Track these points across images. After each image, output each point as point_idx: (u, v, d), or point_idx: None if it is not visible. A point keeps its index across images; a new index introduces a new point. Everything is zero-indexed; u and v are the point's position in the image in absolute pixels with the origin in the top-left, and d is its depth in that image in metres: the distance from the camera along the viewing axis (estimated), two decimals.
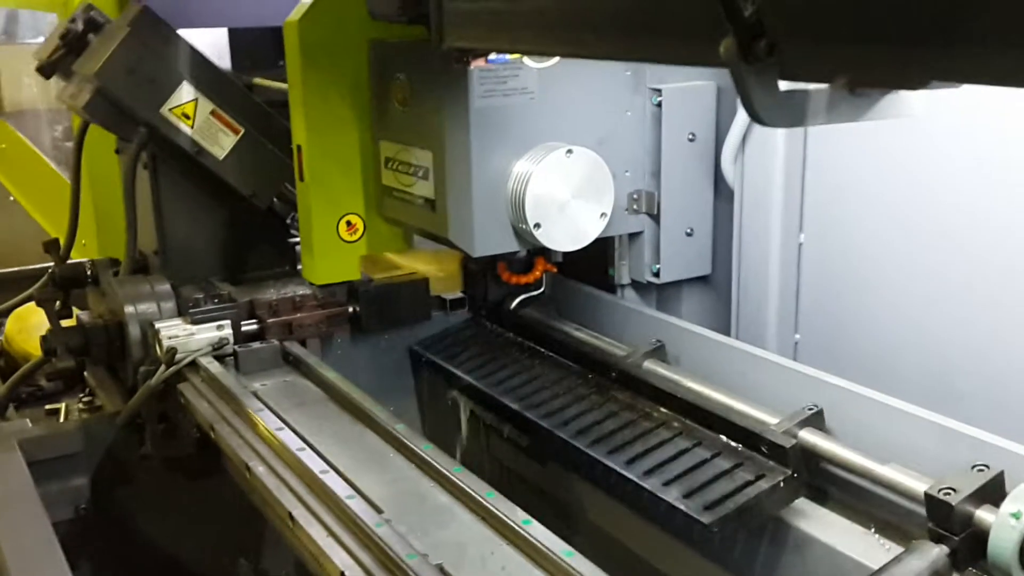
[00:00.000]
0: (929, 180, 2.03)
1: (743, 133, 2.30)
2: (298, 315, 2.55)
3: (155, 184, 2.85)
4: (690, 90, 2.42)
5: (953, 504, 1.49)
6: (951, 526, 1.50)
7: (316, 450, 1.90)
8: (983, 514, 1.51)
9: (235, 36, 3.45)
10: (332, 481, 1.74)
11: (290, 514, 1.71)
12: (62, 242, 2.98)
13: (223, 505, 2.36)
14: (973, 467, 1.57)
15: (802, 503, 1.83)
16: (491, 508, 1.63)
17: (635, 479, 1.87)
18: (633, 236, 2.54)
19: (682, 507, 1.74)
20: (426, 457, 1.83)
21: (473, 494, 1.68)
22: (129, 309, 2.49)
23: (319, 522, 1.67)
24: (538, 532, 1.53)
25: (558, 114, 2.30)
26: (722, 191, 2.48)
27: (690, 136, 2.43)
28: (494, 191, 2.27)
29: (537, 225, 2.24)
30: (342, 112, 2.54)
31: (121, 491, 2.54)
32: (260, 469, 1.89)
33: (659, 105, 2.40)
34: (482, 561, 1.53)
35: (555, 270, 2.75)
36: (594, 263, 2.64)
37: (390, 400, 2.39)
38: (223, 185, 2.86)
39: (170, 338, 2.40)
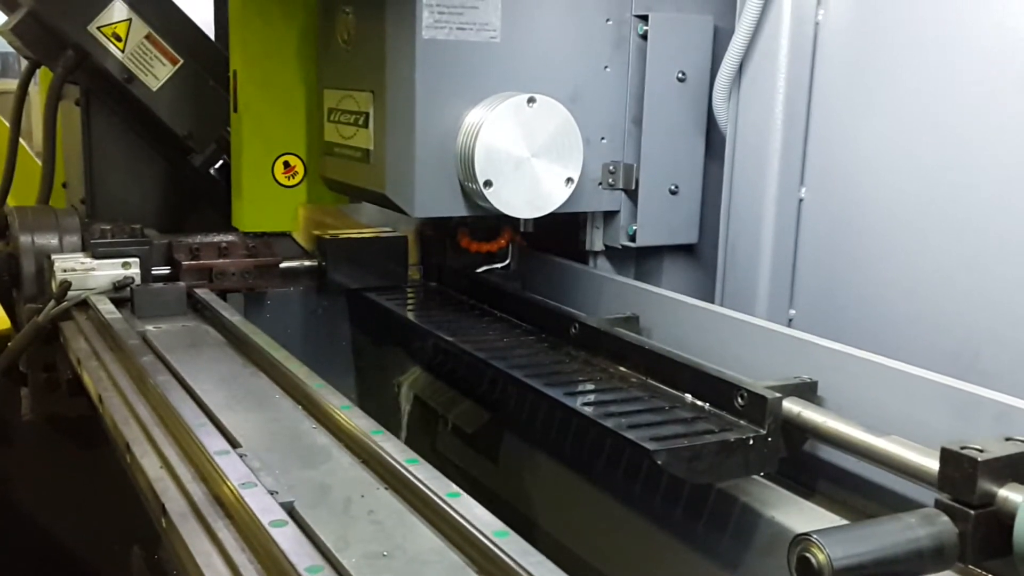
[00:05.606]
0: (958, 126, 1.66)
1: (738, 63, 1.93)
2: (221, 261, 2.22)
3: (86, 122, 2.58)
4: (682, 21, 2.07)
5: (979, 461, 1.11)
6: (969, 494, 1.12)
7: (187, 387, 1.58)
8: (1010, 493, 1.13)
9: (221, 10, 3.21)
10: (188, 413, 1.41)
11: (127, 444, 1.38)
12: None
13: (117, 482, 2.01)
14: (1007, 439, 1.21)
15: (784, 496, 1.52)
16: (376, 449, 1.31)
17: (576, 407, 1.55)
18: None
19: (629, 436, 1.40)
20: (315, 397, 1.50)
21: (359, 435, 1.37)
22: (25, 239, 2.16)
23: (157, 454, 1.34)
24: (424, 474, 1.21)
25: (523, 60, 1.97)
26: (716, 146, 2.12)
27: (680, 75, 2.08)
28: (442, 143, 1.92)
29: (488, 183, 1.89)
30: (285, 34, 2.24)
31: None
32: (113, 400, 1.56)
33: (644, 36, 2.06)
34: (346, 503, 1.20)
35: (524, 243, 2.41)
36: (564, 229, 2.29)
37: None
38: (164, 133, 2.58)
39: (65, 271, 2.07)
